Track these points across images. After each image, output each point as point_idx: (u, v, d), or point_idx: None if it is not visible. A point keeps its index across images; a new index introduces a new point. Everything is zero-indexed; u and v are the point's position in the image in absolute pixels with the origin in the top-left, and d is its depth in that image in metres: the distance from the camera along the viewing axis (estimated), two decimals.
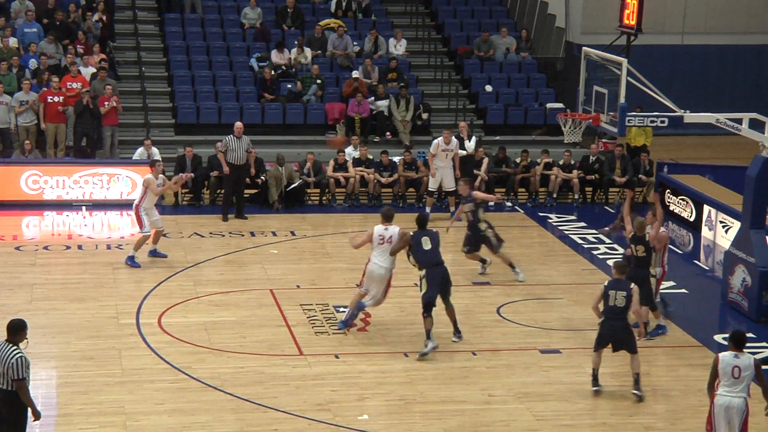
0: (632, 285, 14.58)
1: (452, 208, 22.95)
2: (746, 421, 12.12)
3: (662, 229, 16.98)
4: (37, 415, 11.63)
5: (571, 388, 15.11)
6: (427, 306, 15.94)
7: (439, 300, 16.14)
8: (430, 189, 23.62)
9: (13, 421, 11.57)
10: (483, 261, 19.65)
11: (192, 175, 23.82)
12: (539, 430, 13.87)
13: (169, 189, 20.99)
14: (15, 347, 11.48)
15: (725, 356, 12.08)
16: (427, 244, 16.09)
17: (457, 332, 16.58)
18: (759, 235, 17.61)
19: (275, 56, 27.66)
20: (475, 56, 29.47)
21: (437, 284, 16.01)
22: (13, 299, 17.87)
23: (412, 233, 16.23)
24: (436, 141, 23.63)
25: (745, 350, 12.20)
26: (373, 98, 27.08)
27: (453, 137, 23.61)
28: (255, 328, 16.89)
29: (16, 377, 11.35)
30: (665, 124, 18.97)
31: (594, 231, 22.92)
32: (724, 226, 22.20)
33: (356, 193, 24.46)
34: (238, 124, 22.90)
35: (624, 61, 18.98)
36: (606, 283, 14.67)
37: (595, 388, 14.75)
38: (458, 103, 28.15)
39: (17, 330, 11.57)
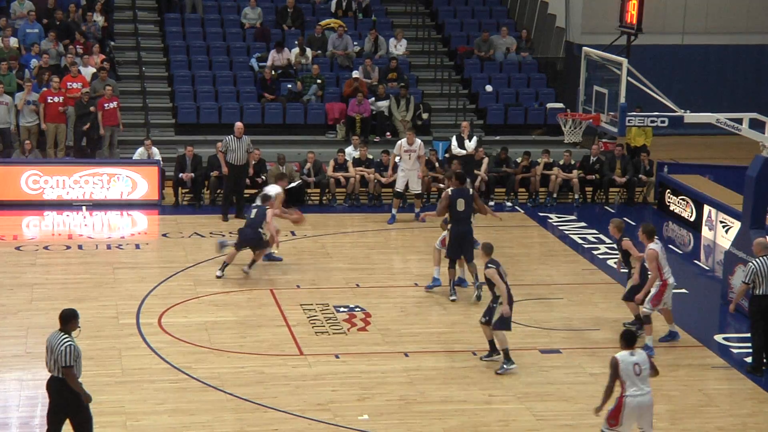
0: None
1: (417, 210, 23.08)
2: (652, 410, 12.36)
3: (652, 245, 16.15)
4: (87, 399, 12.05)
5: (571, 388, 15.12)
6: (451, 261, 18.26)
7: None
8: (396, 190, 23.24)
9: (74, 406, 12.00)
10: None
11: (192, 174, 23.82)
12: (539, 430, 13.87)
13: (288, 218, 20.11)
14: (66, 336, 11.90)
15: (623, 357, 12.06)
16: (460, 205, 17.94)
17: (478, 287, 18.14)
18: (759, 235, 17.59)
19: (274, 57, 27.63)
20: (475, 56, 29.48)
21: (455, 243, 17.99)
22: (13, 299, 17.88)
23: (450, 190, 18.10)
24: (399, 142, 23.34)
25: (636, 346, 12.25)
26: (373, 98, 27.08)
27: (417, 138, 23.30)
28: (255, 328, 16.90)
29: (63, 364, 11.75)
30: (665, 124, 18.97)
31: (594, 231, 22.93)
32: (724, 226, 22.20)
33: (356, 193, 24.46)
34: (239, 125, 22.89)
35: (624, 61, 18.98)
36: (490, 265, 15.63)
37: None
38: (458, 103, 28.16)
39: (69, 319, 12.00)
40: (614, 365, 12.08)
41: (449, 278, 18.45)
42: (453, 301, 18.25)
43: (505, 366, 15.39)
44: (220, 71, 27.85)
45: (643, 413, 12.21)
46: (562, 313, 17.86)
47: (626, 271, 17.08)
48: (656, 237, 16.32)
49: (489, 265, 15.42)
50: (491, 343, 15.72)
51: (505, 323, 15.40)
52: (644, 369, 12.13)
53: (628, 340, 12.23)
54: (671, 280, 16.29)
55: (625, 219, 24.12)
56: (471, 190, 18.59)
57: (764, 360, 15.96)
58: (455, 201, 18.08)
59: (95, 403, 13.99)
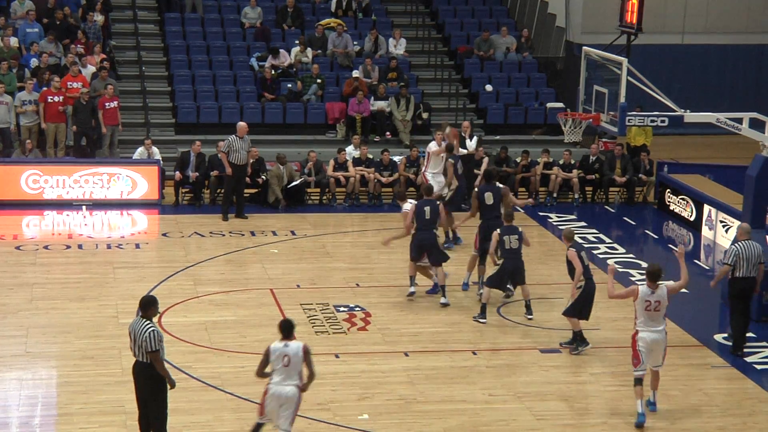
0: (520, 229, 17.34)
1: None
2: (297, 407, 12.26)
3: (641, 286, 14.08)
4: (172, 384, 12.39)
5: (571, 387, 15.13)
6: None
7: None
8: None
9: (154, 391, 12.39)
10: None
11: (197, 174, 23.77)
12: (539, 429, 13.87)
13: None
14: (148, 321, 12.26)
15: (275, 346, 12.17)
16: (427, 214, 18.03)
17: (440, 288, 18.27)
18: (759, 235, 17.61)
19: (272, 62, 27.61)
20: (476, 56, 29.48)
21: (418, 246, 17.99)
22: (13, 298, 17.89)
23: (416, 202, 18.35)
24: (430, 144, 22.14)
25: (295, 337, 12.24)
26: (372, 98, 27.08)
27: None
28: (255, 328, 16.90)
29: (150, 349, 12.11)
30: (665, 124, 18.99)
31: (594, 230, 22.94)
32: (724, 226, 22.20)
33: (356, 193, 24.46)
34: (242, 124, 22.86)
35: (624, 60, 19.00)
36: (498, 230, 17.25)
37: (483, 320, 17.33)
38: (458, 103, 28.16)
39: (149, 305, 12.40)
40: (265, 353, 12.22)
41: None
42: (409, 294, 18.25)
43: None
44: (220, 71, 27.85)
45: (282, 404, 12.19)
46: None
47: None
48: (658, 283, 13.96)
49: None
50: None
51: (492, 281, 17.41)
52: (294, 362, 12.10)
53: (284, 330, 12.19)
54: (645, 334, 13.94)
55: (625, 219, 24.22)
56: (438, 202, 18.73)
57: (743, 341, 16.43)
58: (422, 209, 18.06)
59: (95, 402, 14.07)
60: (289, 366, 12.11)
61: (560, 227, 23.23)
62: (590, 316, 16.77)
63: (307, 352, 12.14)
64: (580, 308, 16.01)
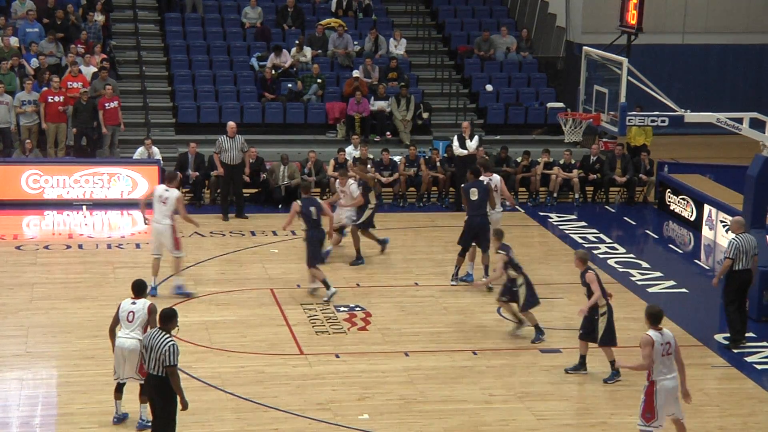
0: None
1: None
2: (141, 362, 12.76)
3: (651, 332, 12.53)
4: (184, 405, 12.18)
5: (571, 387, 15.13)
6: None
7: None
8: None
9: (164, 406, 12.21)
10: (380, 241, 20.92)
11: (197, 173, 23.78)
12: (539, 429, 13.88)
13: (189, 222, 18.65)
14: (168, 335, 12.20)
15: (124, 303, 13.18)
16: (314, 214, 18.15)
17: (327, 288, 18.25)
18: (759, 234, 17.61)
19: (273, 60, 27.62)
20: (476, 56, 29.48)
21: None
22: (13, 298, 17.89)
23: (300, 201, 18.28)
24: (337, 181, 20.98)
25: (143, 297, 13.22)
26: (372, 98, 27.07)
27: (350, 179, 20.67)
28: (255, 328, 16.91)
29: (168, 363, 12.02)
30: (666, 124, 18.99)
31: (595, 230, 22.94)
32: (724, 226, 22.19)
33: None
34: (231, 124, 22.87)
35: (624, 60, 18.99)
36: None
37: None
38: (459, 103, 28.16)
39: (169, 319, 12.31)
40: (117, 308, 13.18)
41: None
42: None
43: (540, 337, 16.65)
44: (220, 71, 27.84)
45: (126, 356, 13.09)
46: (562, 312, 17.86)
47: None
48: (660, 325, 12.69)
49: (499, 250, 16.78)
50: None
51: (533, 302, 16.63)
52: (138, 317, 13.03)
53: (136, 289, 13.14)
54: (664, 383, 12.48)
55: (625, 219, 24.21)
56: (319, 201, 18.74)
57: (744, 334, 16.63)
58: (309, 209, 18.13)
59: (95, 402, 14.06)
60: (133, 321, 13.03)
61: (560, 227, 23.24)
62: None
63: (151, 312, 13.03)
64: (612, 335, 15.29)
